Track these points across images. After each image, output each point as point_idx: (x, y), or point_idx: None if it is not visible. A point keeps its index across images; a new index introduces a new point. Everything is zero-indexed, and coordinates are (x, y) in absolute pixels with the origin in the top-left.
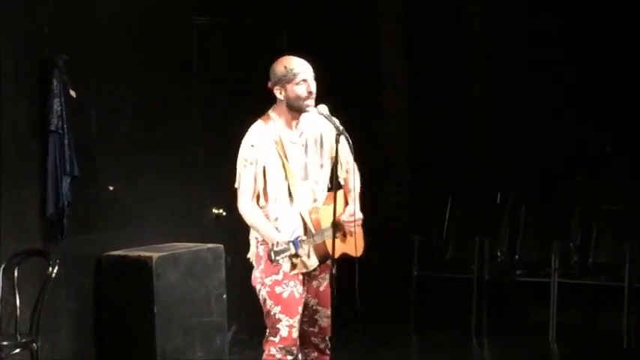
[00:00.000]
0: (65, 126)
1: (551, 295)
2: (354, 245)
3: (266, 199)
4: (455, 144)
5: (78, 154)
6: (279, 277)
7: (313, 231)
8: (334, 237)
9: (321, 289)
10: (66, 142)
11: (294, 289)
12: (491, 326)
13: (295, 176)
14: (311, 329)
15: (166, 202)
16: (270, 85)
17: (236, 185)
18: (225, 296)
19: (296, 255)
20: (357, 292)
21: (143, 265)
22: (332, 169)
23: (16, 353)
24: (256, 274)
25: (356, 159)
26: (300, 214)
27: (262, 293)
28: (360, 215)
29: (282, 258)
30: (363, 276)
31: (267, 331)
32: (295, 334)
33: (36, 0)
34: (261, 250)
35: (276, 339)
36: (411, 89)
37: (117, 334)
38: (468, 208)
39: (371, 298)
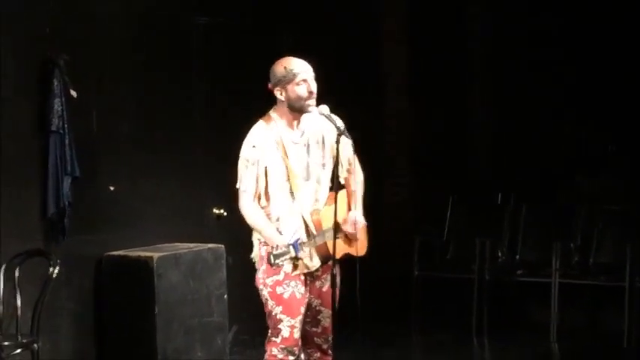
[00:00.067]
0: (66, 126)
1: (552, 295)
2: (357, 246)
3: (267, 200)
4: (455, 144)
5: (79, 154)
6: (281, 277)
7: (314, 232)
8: (335, 238)
9: (324, 289)
10: (67, 142)
11: (295, 290)
12: (492, 326)
13: (297, 176)
14: (314, 329)
15: (167, 202)
16: (270, 86)
17: (237, 186)
18: (226, 296)
19: (296, 258)
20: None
21: (144, 265)
22: (333, 169)
23: (17, 353)
24: (259, 275)
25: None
26: (302, 216)
27: (264, 294)
28: (362, 221)
29: (282, 261)
30: (364, 276)
31: (269, 331)
32: (297, 334)
33: (36, 0)
34: (264, 251)
35: (278, 339)
36: (411, 89)
37: (118, 334)
38: (469, 208)
39: (372, 298)
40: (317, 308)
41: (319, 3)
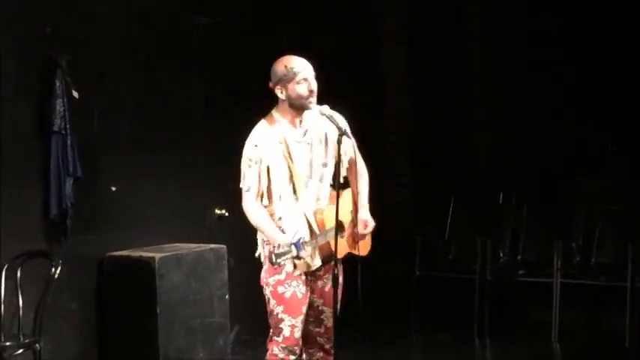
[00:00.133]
0: (68, 127)
1: (554, 295)
2: (361, 245)
3: (270, 199)
4: (455, 144)
5: (80, 154)
6: (282, 277)
7: (317, 231)
8: (337, 237)
9: (326, 289)
10: (69, 142)
11: (296, 289)
12: (493, 326)
13: (300, 175)
14: (317, 329)
15: (169, 203)
16: (271, 85)
17: (240, 185)
18: (227, 297)
19: (298, 257)
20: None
21: (146, 265)
22: (335, 168)
23: (19, 354)
24: (262, 274)
25: None
26: (305, 215)
27: (266, 293)
28: (372, 223)
29: (284, 260)
30: (365, 276)
31: (271, 330)
32: (298, 334)
33: (36, 0)
34: (267, 251)
35: (279, 338)
36: (411, 89)
37: (119, 335)
38: (470, 208)
39: (373, 298)
40: (319, 308)
41: (319, 3)
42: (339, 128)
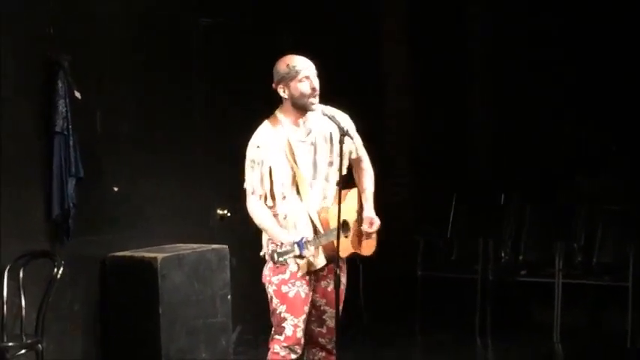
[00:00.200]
0: (70, 127)
1: (556, 295)
2: (366, 245)
3: (273, 199)
4: (455, 144)
5: (83, 155)
6: (286, 276)
7: (322, 231)
8: (339, 236)
9: (329, 289)
10: (71, 143)
11: (300, 289)
12: (495, 326)
13: (304, 175)
14: (319, 329)
15: (171, 203)
16: (274, 84)
17: (244, 186)
18: (229, 297)
19: (300, 256)
20: (361, 292)
21: (148, 266)
22: (339, 169)
23: (22, 354)
24: (265, 272)
25: None
26: (309, 215)
27: (269, 291)
28: (378, 221)
29: (285, 260)
30: (367, 276)
31: (273, 329)
32: (300, 333)
33: (36, 0)
34: (271, 249)
35: (281, 337)
36: (411, 89)
37: (122, 335)
38: (472, 208)
39: (374, 298)
40: (322, 308)
41: (319, 3)
42: (341, 128)
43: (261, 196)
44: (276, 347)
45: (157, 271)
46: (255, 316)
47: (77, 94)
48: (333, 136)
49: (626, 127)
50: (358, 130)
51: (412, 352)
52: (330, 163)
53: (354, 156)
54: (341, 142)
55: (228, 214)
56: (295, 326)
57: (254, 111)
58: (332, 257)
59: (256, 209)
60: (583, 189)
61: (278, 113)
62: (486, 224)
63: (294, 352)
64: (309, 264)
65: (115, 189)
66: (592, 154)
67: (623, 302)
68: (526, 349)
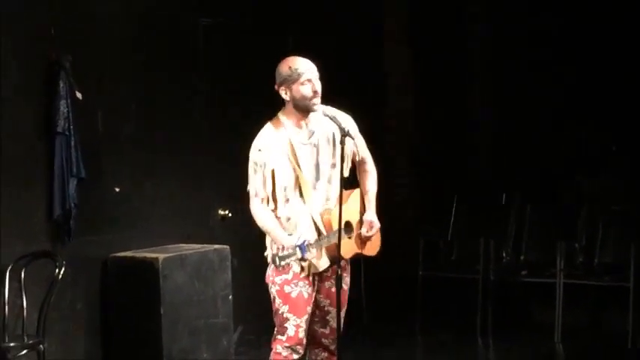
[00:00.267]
0: (71, 127)
1: (557, 295)
2: (369, 246)
3: (275, 202)
4: (455, 144)
5: (84, 155)
6: (289, 276)
7: (324, 233)
8: (340, 238)
9: (333, 290)
10: (72, 143)
11: (302, 290)
12: (496, 326)
13: (306, 177)
14: (322, 330)
15: (172, 204)
16: (276, 86)
17: (248, 189)
18: (231, 297)
19: (302, 259)
20: (363, 292)
21: (149, 266)
22: (341, 170)
23: (23, 354)
24: (268, 272)
25: None
26: (312, 217)
27: (272, 291)
28: (377, 224)
29: (287, 263)
30: (368, 276)
31: (275, 329)
32: (302, 333)
33: (36, 0)
34: (274, 250)
35: (284, 337)
36: (411, 89)
37: (123, 335)
38: (473, 208)
39: (375, 298)
40: (326, 309)
41: (320, 3)
42: (342, 129)
43: (263, 199)
44: (279, 347)
45: (158, 271)
46: (257, 317)
47: (78, 95)
48: (335, 138)
49: (626, 127)
50: (359, 131)
51: (413, 352)
52: (333, 165)
53: (357, 158)
54: (342, 143)
55: (230, 215)
56: (297, 326)
57: (254, 111)
58: (335, 259)
59: (259, 212)
60: (583, 189)
61: (280, 115)
62: (487, 224)
63: (297, 352)
64: (313, 266)
65: (117, 189)
66: (592, 154)
67: (624, 302)
68: (527, 349)
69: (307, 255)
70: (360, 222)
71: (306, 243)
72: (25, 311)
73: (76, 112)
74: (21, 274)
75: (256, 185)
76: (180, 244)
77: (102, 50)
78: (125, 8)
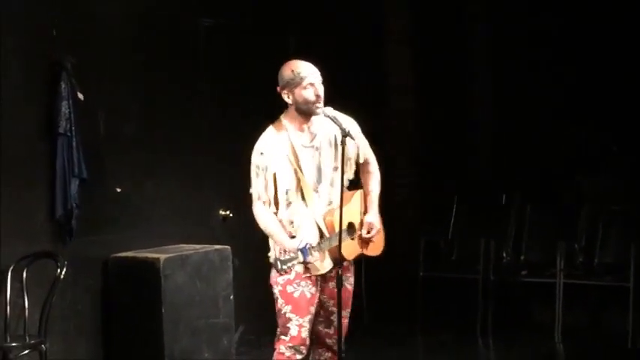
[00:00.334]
0: (73, 128)
1: (557, 295)
2: (372, 246)
3: (277, 205)
4: (455, 144)
5: (86, 156)
6: (292, 276)
7: (327, 235)
8: (340, 240)
9: None
10: (74, 144)
11: (305, 290)
12: (496, 326)
13: (308, 180)
14: (326, 330)
15: (173, 204)
16: (278, 89)
17: (250, 192)
18: (232, 297)
19: (304, 262)
20: (363, 292)
21: (151, 266)
22: (342, 171)
23: (25, 354)
24: (272, 273)
25: None
26: (314, 219)
27: (275, 292)
28: (377, 226)
29: (289, 267)
30: (369, 276)
31: (278, 329)
32: (305, 333)
33: (37, 1)
34: (274, 257)
35: (287, 338)
36: (411, 89)
37: (125, 335)
38: (474, 208)
39: (376, 298)
40: (330, 309)
41: (320, 3)
42: (343, 130)
43: (265, 202)
44: (282, 347)
45: (159, 271)
46: (258, 317)
47: (80, 96)
48: (337, 141)
49: (626, 127)
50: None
51: (414, 351)
52: (335, 168)
53: (361, 160)
54: (342, 144)
55: (231, 215)
56: (300, 326)
57: (254, 111)
58: (339, 260)
59: (262, 215)
60: (583, 189)
61: (283, 118)
62: (487, 224)
63: (299, 352)
64: (316, 269)
65: (118, 190)
66: (592, 154)
67: (624, 302)
68: (527, 349)
69: (309, 258)
70: (362, 223)
71: (308, 246)
72: (26, 311)
73: (77, 113)
74: (23, 275)
75: (258, 188)
76: (181, 245)
77: (102, 51)
78: (126, 8)
